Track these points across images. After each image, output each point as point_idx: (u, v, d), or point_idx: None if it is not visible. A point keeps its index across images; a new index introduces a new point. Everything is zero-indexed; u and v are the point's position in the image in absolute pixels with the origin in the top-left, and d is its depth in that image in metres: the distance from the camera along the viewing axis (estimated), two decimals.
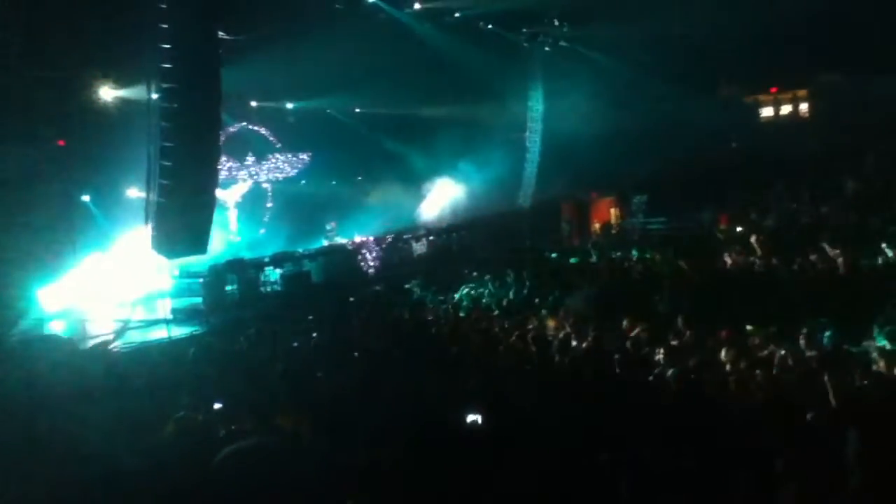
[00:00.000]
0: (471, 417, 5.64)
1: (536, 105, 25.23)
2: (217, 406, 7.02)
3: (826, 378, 6.08)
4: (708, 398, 6.46)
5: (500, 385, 7.13)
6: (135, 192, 17.13)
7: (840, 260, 11.93)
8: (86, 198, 16.82)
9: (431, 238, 23.38)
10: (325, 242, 22.28)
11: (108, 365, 9.75)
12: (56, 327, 14.39)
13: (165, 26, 11.70)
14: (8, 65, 13.32)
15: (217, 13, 12.75)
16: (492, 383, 7.17)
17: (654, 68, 22.64)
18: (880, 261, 12.09)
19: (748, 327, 9.14)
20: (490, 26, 22.29)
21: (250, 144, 22.31)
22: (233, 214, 21.68)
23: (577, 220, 26.45)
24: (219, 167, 14.21)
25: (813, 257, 12.55)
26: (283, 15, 16.52)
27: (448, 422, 5.74)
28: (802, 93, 26.79)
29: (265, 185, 22.79)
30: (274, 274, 18.18)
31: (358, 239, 21.56)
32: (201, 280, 16.29)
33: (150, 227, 12.73)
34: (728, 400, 6.53)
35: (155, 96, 12.56)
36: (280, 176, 22.98)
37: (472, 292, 15.35)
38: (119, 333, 13.67)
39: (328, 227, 23.05)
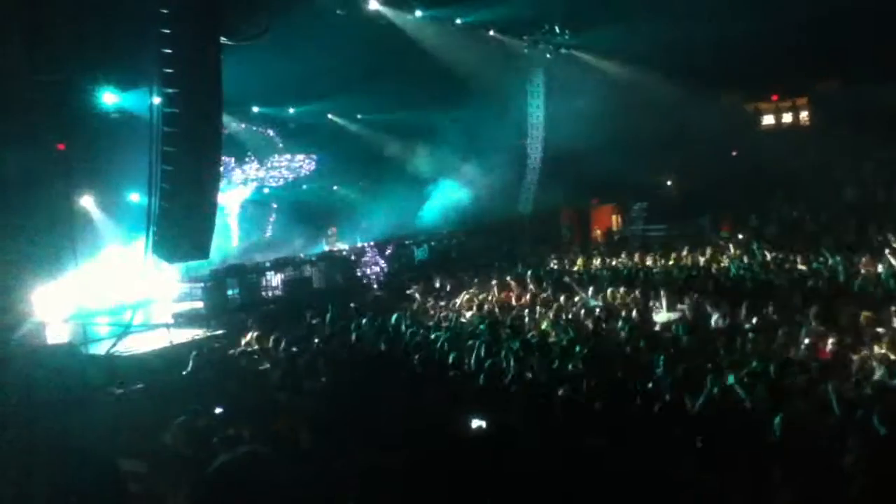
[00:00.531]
0: (476, 423, 5.63)
1: (537, 112, 25.24)
2: (218, 411, 7.01)
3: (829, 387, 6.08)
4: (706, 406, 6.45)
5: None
6: (136, 197, 17.12)
7: (840, 268, 11.98)
8: (86, 201, 16.79)
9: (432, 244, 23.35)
10: (326, 248, 22.26)
11: (108, 370, 9.73)
12: (56, 332, 14.34)
13: (167, 31, 11.70)
14: (8, 68, 13.31)
15: (219, 18, 12.75)
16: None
17: (655, 75, 22.68)
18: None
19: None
20: (491, 33, 22.31)
21: (251, 148, 22.30)
22: (234, 220, 21.67)
23: (577, 226, 26.47)
24: (220, 171, 14.20)
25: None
26: (285, 20, 16.52)
27: (449, 427, 5.72)
28: (802, 100, 26.84)
29: (266, 191, 22.79)
30: (275, 279, 18.16)
31: (359, 244, 21.55)
32: (203, 285, 16.27)
33: (151, 231, 12.70)
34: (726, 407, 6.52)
35: (156, 100, 12.54)
36: (281, 181, 22.98)
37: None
38: (119, 338, 13.61)
39: (329, 233, 23.04)
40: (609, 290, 14.06)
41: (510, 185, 25.05)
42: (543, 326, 11.63)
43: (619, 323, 11.34)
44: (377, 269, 20.63)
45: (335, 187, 24.78)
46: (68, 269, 15.39)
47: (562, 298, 13.87)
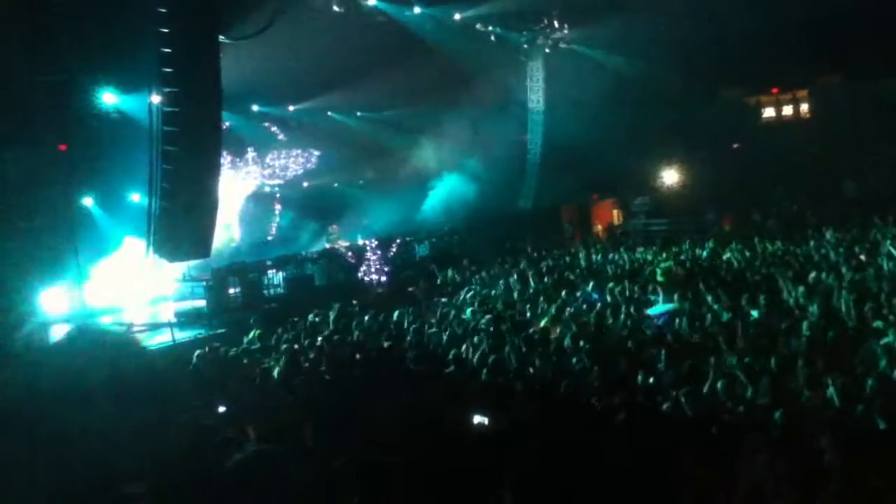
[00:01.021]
0: (477, 419, 5.63)
1: (537, 107, 25.21)
2: (221, 409, 7.02)
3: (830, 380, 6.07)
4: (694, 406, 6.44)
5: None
6: (137, 197, 17.12)
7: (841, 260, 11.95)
8: (87, 202, 16.80)
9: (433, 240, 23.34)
10: (328, 245, 22.25)
11: (110, 369, 9.72)
12: (58, 332, 14.34)
13: (166, 30, 11.71)
14: (9, 68, 13.32)
15: (218, 17, 12.75)
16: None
17: (656, 70, 22.64)
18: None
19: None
20: (491, 28, 22.27)
21: (252, 146, 22.30)
22: (235, 219, 21.66)
23: (578, 221, 26.44)
24: (221, 170, 14.21)
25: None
26: (284, 18, 16.51)
27: (452, 423, 5.73)
28: (802, 93, 26.79)
29: (267, 189, 22.79)
30: (276, 277, 18.16)
31: (361, 241, 21.54)
32: (204, 283, 16.28)
33: (152, 230, 12.72)
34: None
35: (156, 100, 12.55)
36: (282, 180, 22.98)
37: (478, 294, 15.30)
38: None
39: (330, 230, 23.02)
40: (610, 285, 14.04)
41: (511, 180, 25.04)
42: (545, 322, 11.60)
43: (621, 317, 11.31)
44: (379, 266, 20.61)
45: (336, 184, 24.76)
46: (70, 269, 15.42)
47: (563, 293, 13.85)
